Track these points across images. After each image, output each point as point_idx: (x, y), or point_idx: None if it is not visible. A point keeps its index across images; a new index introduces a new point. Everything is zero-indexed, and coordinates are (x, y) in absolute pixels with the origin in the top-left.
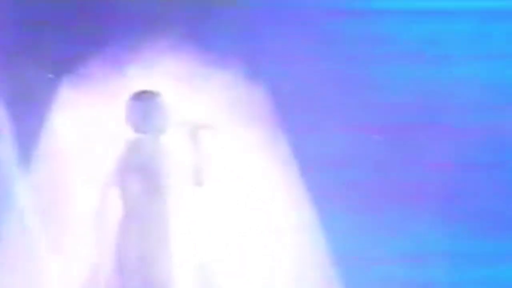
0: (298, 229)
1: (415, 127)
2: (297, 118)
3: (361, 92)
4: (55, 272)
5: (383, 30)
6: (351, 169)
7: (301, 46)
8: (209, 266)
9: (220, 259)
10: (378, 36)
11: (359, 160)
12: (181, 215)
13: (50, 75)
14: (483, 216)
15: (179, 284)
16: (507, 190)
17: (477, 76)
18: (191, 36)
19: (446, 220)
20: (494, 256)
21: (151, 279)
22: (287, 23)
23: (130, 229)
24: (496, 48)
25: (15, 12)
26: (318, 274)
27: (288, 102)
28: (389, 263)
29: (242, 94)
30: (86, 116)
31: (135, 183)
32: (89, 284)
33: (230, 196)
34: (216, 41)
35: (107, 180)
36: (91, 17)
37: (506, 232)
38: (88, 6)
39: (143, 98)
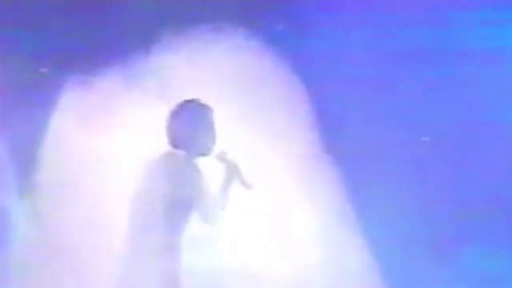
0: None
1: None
2: (344, 121)
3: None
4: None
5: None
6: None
7: (348, 42)
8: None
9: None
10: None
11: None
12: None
13: (44, 69)
14: None
15: None
16: None
17: None
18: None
19: None
20: None
21: None
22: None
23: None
24: None
25: (18, 12)
26: None
27: (335, 104)
28: None
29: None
30: (97, 121)
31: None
32: None
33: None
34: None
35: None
36: (104, 18)
37: None
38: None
39: (196, 109)
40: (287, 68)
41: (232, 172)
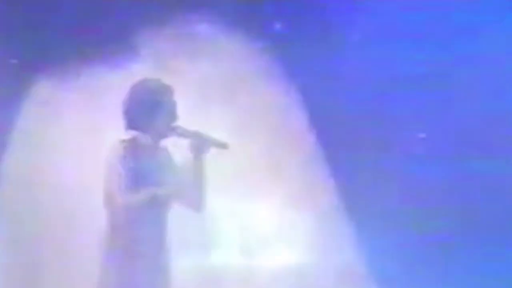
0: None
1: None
2: (340, 118)
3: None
4: None
5: None
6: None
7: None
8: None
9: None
10: None
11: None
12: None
13: (14, 61)
14: None
15: None
16: None
17: None
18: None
19: None
20: None
21: None
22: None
23: (115, 248)
24: None
25: None
26: None
27: (331, 103)
28: None
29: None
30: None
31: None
32: None
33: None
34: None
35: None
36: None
37: None
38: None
39: (151, 88)
40: (285, 68)
41: (200, 143)
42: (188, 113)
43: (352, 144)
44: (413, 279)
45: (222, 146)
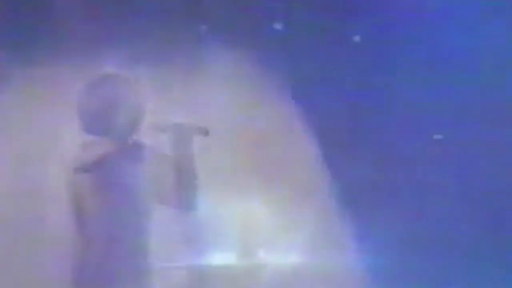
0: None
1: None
2: (348, 119)
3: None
4: None
5: None
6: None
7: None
8: None
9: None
10: None
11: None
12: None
13: None
14: None
15: None
16: None
17: None
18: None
19: None
20: None
21: None
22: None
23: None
24: None
25: None
26: None
27: (339, 102)
28: None
29: (248, 89)
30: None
31: (93, 202)
32: None
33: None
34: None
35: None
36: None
37: None
38: None
39: (103, 84)
40: (285, 69)
41: (181, 135)
42: (181, 114)
43: (358, 145)
44: (416, 281)
45: (203, 132)
